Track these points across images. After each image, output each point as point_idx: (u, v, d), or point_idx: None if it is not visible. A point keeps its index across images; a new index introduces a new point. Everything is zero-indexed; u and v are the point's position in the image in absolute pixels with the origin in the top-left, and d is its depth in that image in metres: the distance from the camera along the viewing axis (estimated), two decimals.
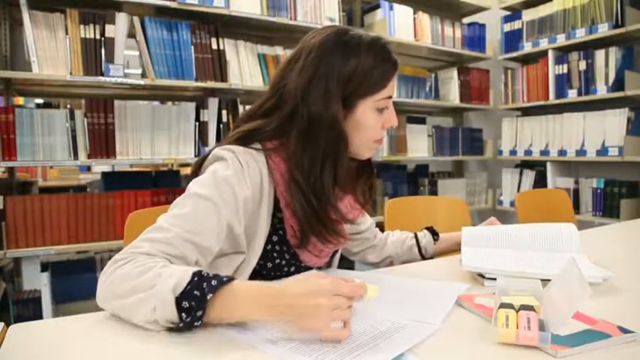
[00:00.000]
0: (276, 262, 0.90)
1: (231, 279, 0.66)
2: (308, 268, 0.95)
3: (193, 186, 0.80)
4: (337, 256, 1.09)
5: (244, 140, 0.88)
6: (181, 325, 0.64)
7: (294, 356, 0.60)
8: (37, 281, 1.96)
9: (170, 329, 0.66)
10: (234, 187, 0.80)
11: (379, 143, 0.95)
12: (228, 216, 0.80)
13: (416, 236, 1.23)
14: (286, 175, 0.86)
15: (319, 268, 1.01)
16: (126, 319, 0.68)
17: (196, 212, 0.77)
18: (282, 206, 0.88)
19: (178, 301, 0.63)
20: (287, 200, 0.86)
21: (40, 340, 0.67)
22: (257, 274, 0.90)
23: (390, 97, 0.91)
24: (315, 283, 0.64)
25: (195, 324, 0.64)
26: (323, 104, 0.84)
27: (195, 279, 0.65)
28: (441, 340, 0.65)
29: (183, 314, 0.63)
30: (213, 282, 0.65)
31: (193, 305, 0.63)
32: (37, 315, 1.92)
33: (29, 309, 1.93)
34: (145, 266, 0.68)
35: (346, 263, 1.20)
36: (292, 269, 0.93)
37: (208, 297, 0.63)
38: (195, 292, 0.64)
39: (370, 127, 0.90)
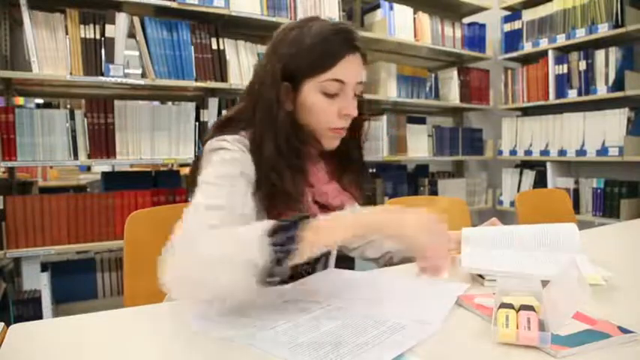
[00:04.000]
0: None
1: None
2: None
3: (210, 174, 0.81)
4: (332, 257, 1.07)
5: (221, 129, 0.91)
6: (277, 252, 0.65)
7: (295, 356, 0.60)
8: (37, 281, 1.96)
9: (267, 281, 0.66)
10: (243, 163, 0.84)
11: (338, 133, 0.92)
12: (249, 188, 0.83)
13: None
14: None
15: (313, 267, 1.00)
16: (212, 282, 0.66)
17: (233, 187, 0.79)
18: None
19: (271, 235, 0.66)
20: None
21: (40, 340, 0.67)
22: None
23: (342, 82, 0.88)
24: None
25: (291, 247, 0.66)
26: (265, 84, 0.87)
27: (282, 220, 0.69)
28: (441, 340, 0.65)
29: (276, 247, 0.65)
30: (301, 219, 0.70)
31: (286, 234, 0.66)
32: (37, 315, 1.92)
33: (29, 309, 1.93)
34: (230, 228, 0.70)
35: (347, 261, 1.19)
36: None
37: (301, 219, 0.68)
38: (285, 222, 0.68)
39: (319, 112, 0.89)
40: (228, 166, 0.82)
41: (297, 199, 0.87)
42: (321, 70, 0.86)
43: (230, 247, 0.67)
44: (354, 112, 0.91)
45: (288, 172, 0.86)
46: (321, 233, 0.70)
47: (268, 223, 0.68)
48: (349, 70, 0.88)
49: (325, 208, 0.95)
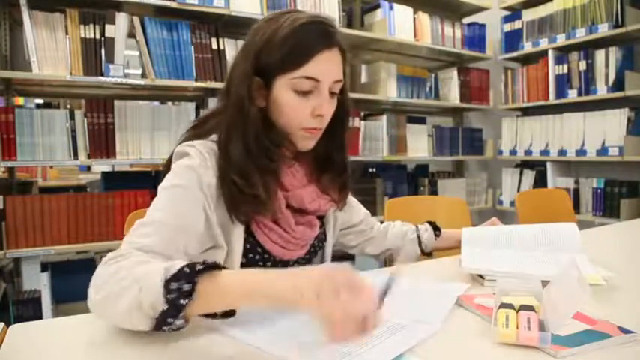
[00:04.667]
0: (249, 256, 0.88)
1: (223, 266, 0.64)
2: (284, 263, 0.92)
3: (162, 184, 0.81)
4: (328, 253, 1.05)
5: (196, 131, 0.89)
6: (166, 307, 0.58)
7: (295, 356, 0.60)
8: (37, 281, 1.96)
9: (158, 326, 0.60)
10: (198, 171, 0.80)
11: (311, 133, 0.86)
12: (199, 197, 0.80)
13: (417, 230, 1.22)
14: None
15: (297, 263, 0.98)
16: (110, 312, 0.64)
17: (171, 199, 0.78)
18: None
19: (167, 284, 0.59)
20: None
21: (40, 340, 0.67)
22: None
23: (316, 80, 0.81)
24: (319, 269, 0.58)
25: (182, 302, 0.58)
26: (237, 79, 0.83)
27: (186, 265, 0.61)
28: (441, 340, 0.65)
29: (169, 295, 0.58)
30: (206, 264, 0.62)
31: (182, 283, 0.59)
32: (37, 315, 1.92)
33: (29, 309, 1.93)
34: (140, 258, 0.67)
35: (346, 259, 1.18)
36: (268, 264, 0.90)
37: (198, 268, 0.60)
38: (186, 269, 0.60)
39: (289, 110, 0.83)
40: (179, 177, 0.80)
41: (266, 202, 0.83)
42: (293, 67, 0.80)
43: (125, 287, 0.62)
44: (328, 113, 0.85)
45: (256, 174, 0.82)
46: (211, 298, 0.61)
47: (170, 269, 0.61)
48: (324, 67, 0.82)
49: (301, 212, 0.92)
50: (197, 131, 0.91)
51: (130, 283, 0.62)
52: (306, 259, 0.99)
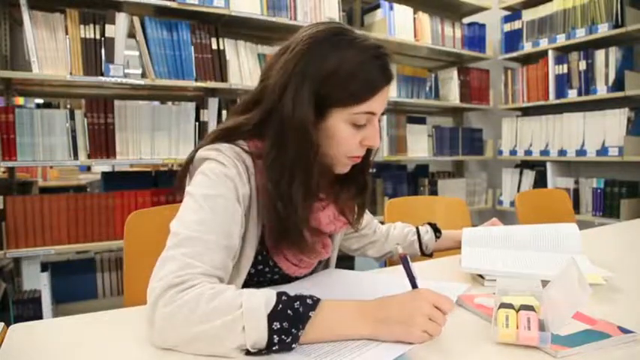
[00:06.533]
0: (259, 267, 0.87)
1: (317, 297, 0.65)
2: (291, 277, 0.92)
3: (197, 189, 0.75)
4: (333, 261, 1.06)
5: (230, 138, 0.83)
6: (275, 347, 0.60)
7: (294, 355, 0.60)
8: (37, 281, 1.96)
9: (248, 352, 0.60)
10: (235, 181, 0.76)
11: (354, 160, 0.87)
12: (239, 211, 0.77)
13: (418, 232, 1.22)
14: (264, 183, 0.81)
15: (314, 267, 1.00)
16: (205, 349, 0.61)
17: (216, 214, 0.73)
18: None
19: (268, 322, 0.60)
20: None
21: (40, 340, 0.67)
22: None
23: (373, 114, 0.81)
24: (415, 292, 0.69)
25: (293, 346, 0.60)
26: (293, 105, 0.77)
27: (284, 298, 0.63)
28: (441, 340, 0.65)
29: (274, 336, 0.60)
30: (309, 300, 0.63)
31: (285, 326, 0.60)
32: (37, 315, 1.92)
33: (29, 309, 1.93)
34: (217, 288, 0.64)
35: (346, 259, 1.19)
36: (276, 277, 0.89)
37: (310, 314, 0.62)
38: (289, 311, 0.61)
39: (343, 142, 0.82)
40: (217, 186, 0.75)
41: (302, 239, 0.82)
42: (357, 102, 0.78)
43: (218, 325, 0.60)
44: (378, 144, 0.84)
45: (305, 212, 0.81)
46: (335, 325, 0.64)
47: (268, 300, 0.62)
48: (381, 101, 0.81)
49: (316, 231, 0.90)
50: (231, 138, 0.83)
51: (232, 318, 0.60)
52: (312, 271, 0.99)
